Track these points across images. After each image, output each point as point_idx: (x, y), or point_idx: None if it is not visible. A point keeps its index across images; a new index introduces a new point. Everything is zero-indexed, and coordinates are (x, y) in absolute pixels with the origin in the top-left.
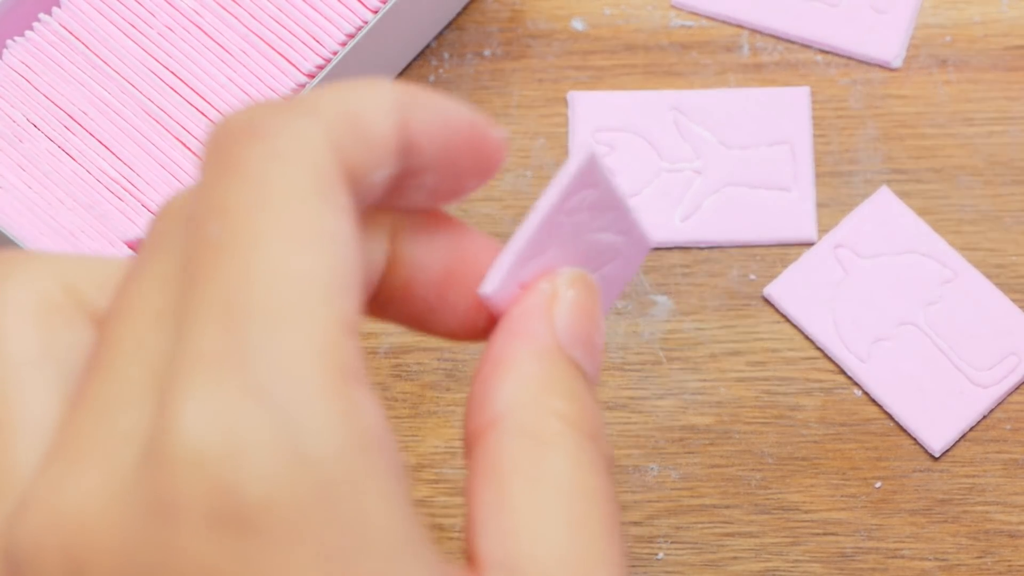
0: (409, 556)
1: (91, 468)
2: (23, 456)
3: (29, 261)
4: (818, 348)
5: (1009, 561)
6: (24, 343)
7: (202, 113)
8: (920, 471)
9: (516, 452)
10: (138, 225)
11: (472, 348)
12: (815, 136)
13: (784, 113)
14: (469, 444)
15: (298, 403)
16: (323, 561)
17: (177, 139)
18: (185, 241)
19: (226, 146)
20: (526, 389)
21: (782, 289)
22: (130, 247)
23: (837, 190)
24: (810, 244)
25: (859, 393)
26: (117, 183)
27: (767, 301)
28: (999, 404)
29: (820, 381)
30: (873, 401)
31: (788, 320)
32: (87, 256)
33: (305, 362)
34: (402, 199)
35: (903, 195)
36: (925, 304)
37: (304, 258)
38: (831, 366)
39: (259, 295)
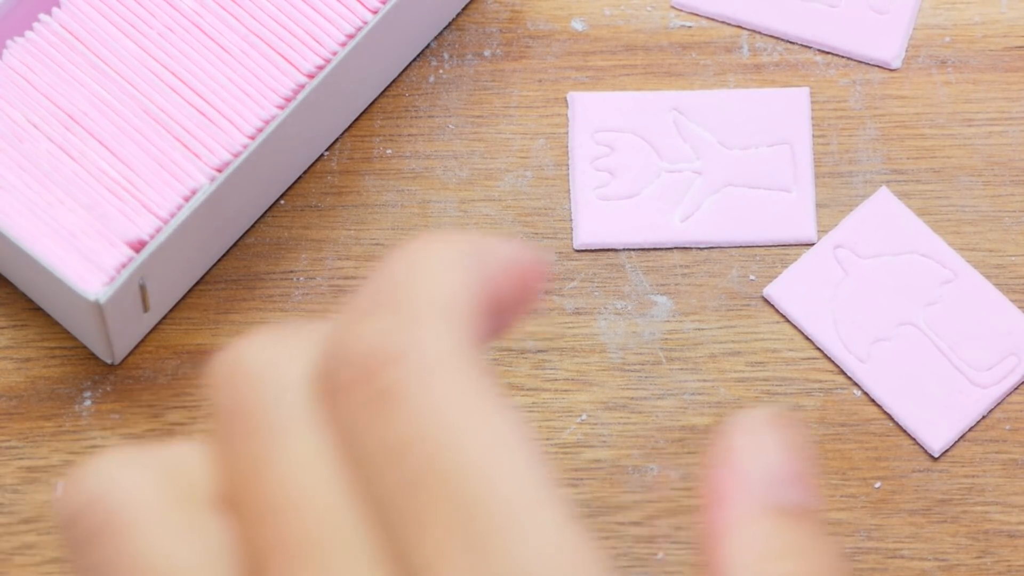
0: None
1: None
2: None
3: (131, 458)
4: (818, 348)
5: (1009, 561)
6: (183, 546)
7: (202, 113)
8: (920, 471)
9: None
10: (138, 225)
11: None
12: (815, 136)
13: (784, 114)
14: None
15: None
16: None
17: (177, 139)
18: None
19: (379, 367)
20: (746, 557)
21: (782, 289)
22: (130, 247)
23: (837, 191)
24: (810, 244)
25: (859, 393)
26: (117, 183)
27: (767, 301)
28: (999, 404)
29: (820, 381)
30: (873, 401)
31: (788, 320)
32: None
33: (555, 561)
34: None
35: (903, 195)
36: (925, 304)
37: (509, 479)
38: (831, 366)
39: (478, 516)
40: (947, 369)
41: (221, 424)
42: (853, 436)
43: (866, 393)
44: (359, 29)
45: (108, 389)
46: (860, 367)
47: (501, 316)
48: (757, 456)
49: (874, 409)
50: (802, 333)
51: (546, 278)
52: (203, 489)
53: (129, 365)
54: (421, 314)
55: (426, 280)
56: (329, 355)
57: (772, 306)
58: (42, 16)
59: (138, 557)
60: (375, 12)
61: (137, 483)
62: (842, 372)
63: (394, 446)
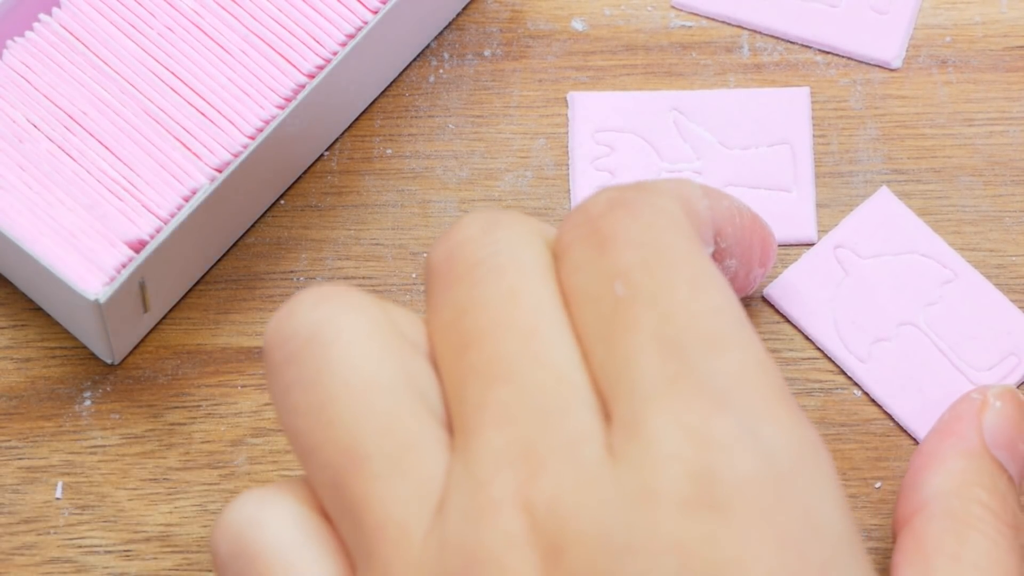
0: (848, 548)
1: (557, 468)
2: (433, 470)
3: (354, 296)
4: (818, 348)
5: None
6: (395, 373)
7: (202, 113)
8: None
9: (940, 531)
10: (138, 225)
11: None
12: (815, 136)
13: (784, 113)
14: (896, 528)
15: (755, 407)
16: (776, 543)
17: (177, 139)
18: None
19: (601, 225)
20: (953, 480)
21: (782, 289)
22: (130, 247)
23: (837, 190)
24: (810, 244)
25: (859, 393)
26: (117, 183)
27: (767, 301)
28: None
29: (820, 381)
30: (873, 401)
31: (788, 320)
32: (380, 299)
33: (751, 375)
34: None
35: (903, 195)
36: (925, 305)
37: (713, 299)
38: (831, 366)
39: (687, 330)
40: (947, 369)
41: (439, 274)
42: (853, 436)
43: (866, 393)
44: (359, 29)
45: (108, 389)
46: (860, 367)
47: (727, 253)
48: (984, 413)
49: (874, 409)
50: (802, 333)
51: (771, 239)
52: (407, 331)
53: (129, 365)
54: (658, 186)
55: (664, 180)
56: (567, 217)
57: (772, 306)
58: (42, 16)
59: (335, 373)
60: (375, 12)
61: (347, 313)
62: (842, 372)
63: (609, 274)
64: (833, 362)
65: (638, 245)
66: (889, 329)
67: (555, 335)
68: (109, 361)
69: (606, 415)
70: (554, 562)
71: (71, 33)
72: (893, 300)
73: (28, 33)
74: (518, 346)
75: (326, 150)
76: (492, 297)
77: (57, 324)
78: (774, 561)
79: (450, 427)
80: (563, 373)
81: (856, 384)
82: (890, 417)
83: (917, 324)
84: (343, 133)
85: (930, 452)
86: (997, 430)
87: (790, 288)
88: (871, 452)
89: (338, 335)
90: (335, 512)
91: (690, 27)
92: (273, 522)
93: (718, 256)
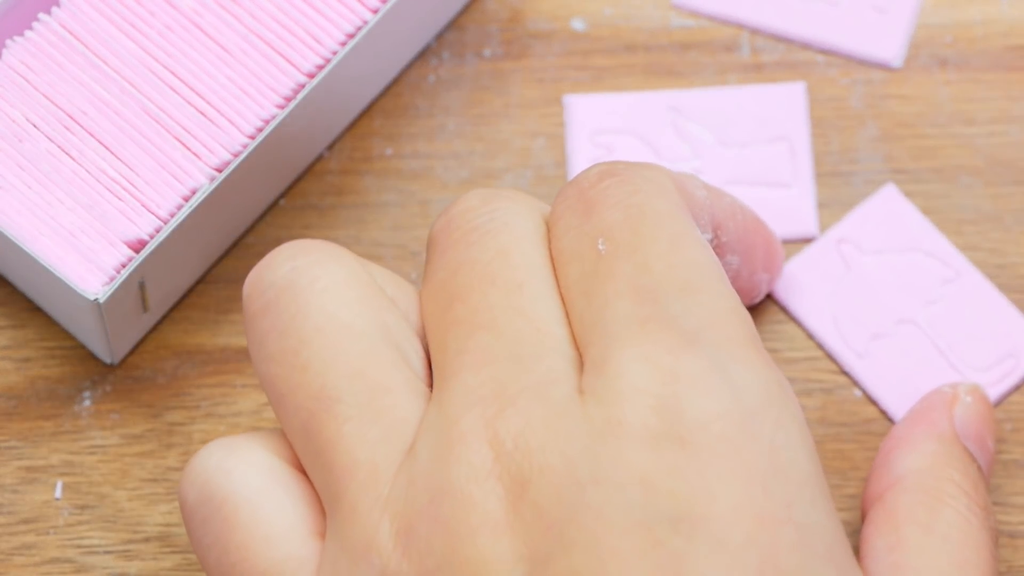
0: (814, 489)
1: (525, 405)
2: (407, 412)
3: (334, 249)
4: (819, 346)
5: (1009, 561)
6: (370, 320)
7: (202, 113)
8: None
9: (912, 504)
10: (138, 225)
11: None
12: (815, 136)
13: (781, 109)
14: (866, 506)
15: (726, 348)
16: (741, 478)
17: (177, 139)
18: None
19: (589, 190)
20: (926, 459)
21: (783, 281)
22: (130, 247)
23: (838, 190)
24: (811, 239)
25: (859, 393)
26: (117, 183)
27: (768, 295)
28: (998, 405)
29: (820, 381)
30: (873, 401)
31: (789, 320)
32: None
33: (723, 319)
34: None
35: (904, 195)
36: (925, 303)
37: (692, 255)
38: (832, 366)
39: (663, 278)
40: (944, 369)
41: (441, 235)
42: (853, 436)
43: (866, 393)
44: (359, 29)
45: (108, 389)
46: (857, 363)
47: (729, 248)
48: (955, 405)
49: (874, 409)
50: (804, 331)
51: (775, 245)
52: (391, 291)
53: (129, 365)
54: (652, 165)
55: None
56: (561, 190)
57: (773, 301)
58: (41, 15)
59: (309, 318)
60: (375, 12)
61: (325, 263)
62: (843, 372)
63: (593, 234)
64: (831, 358)
65: (623, 207)
66: (888, 326)
67: (540, 291)
68: (109, 361)
69: (581, 367)
70: (519, 494)
71: (71, 32)
72: (894, 297)
73: (27, 32)
74: (503, 298)
75: (326, 150)
76: (483, 255)
77: (57, 324)
78: (739, 495)
79: (430, 383)
80: (544, 326)
81: (856, 384)
82: (889, 417)
83: (916, 322)
84: (343, 133)
85: (903, 436)
86: (967, 423)
87: (791, 280)
88: (871, 452)
89: (313, 282)
90: (306, 458)
91: (690, 27)
92: (240, 468)
93: (720, 250)
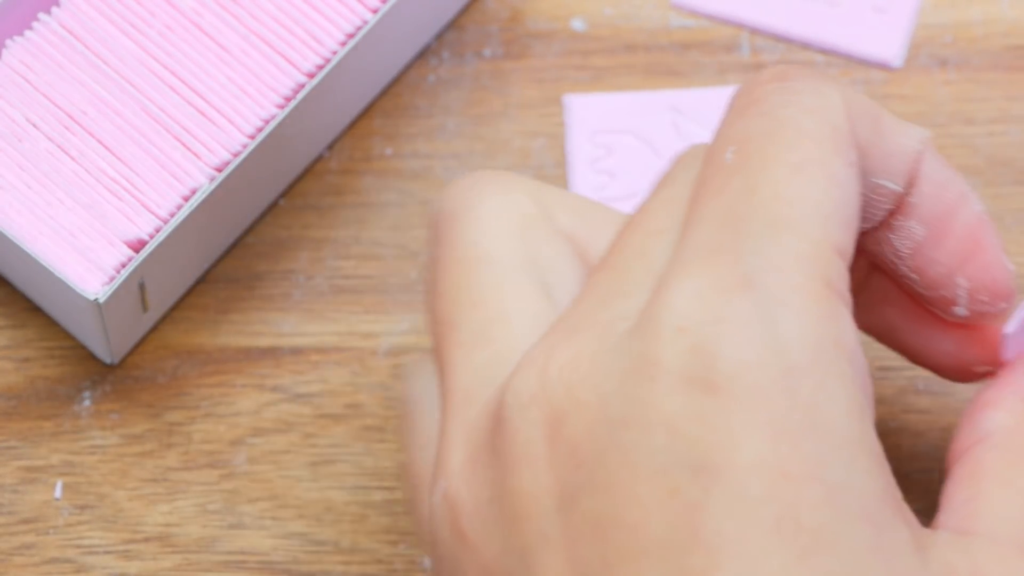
0: (854, 450)
1: (584, 338)
2: (518, 343)
3: (507, 181)
4: None
5: None
6: (511, 251)
7: (202, 113)
8: (921, 471)
9: (994, 460)
10: (138, 225)
11: None
12: None
13: None
14: (950, 463)
15: (783, 295)
16: (769, 431)
17: (177, 139)
18: (698, 170)
19: (751, 90)
20: (1016, 417)
21: None
22: (130, 247)
23: None
24: None
25: None
26: (117, 183)
27: None
28: None
29: None
30: (876, 402)
31: None
32: (553, 187)
33: (795, 264)
34: (887, 246)
35: None
36: None
37: (807, 187)
38: None
39: (760, 207)
40: None
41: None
42: None
43: None
44: (359, 28)
45: (107, 389)
46: None
47: (913, 213)
48: None
49: (875, 409)
50: None
51: (999, 268)
52: (563, 220)
53: (128, 365)
54: (840, 85)
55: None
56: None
57: None
58: (41, 15)
59: (455, 248)
60: (375, 11)
61: (489, 195)
62: None
63: (731, 138)
64: None
65: (768, 117)
66: None
67: (667, 204)
68: (108, 361)
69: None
70: (556, 428)
71: (70, 32)
72: None
73: (27, 32)
74: (638, 215)
75: (326, 150)
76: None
77: (56, 324)
78: (764, 448)
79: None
80: (648, 247)
81: None
82: (891, 419)
83: None
84: (343, 133)
85: (990, 397)
86: None
87: None
88: None
89: (468, 212)
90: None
91: (690, 27)
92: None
93: (904, 209)
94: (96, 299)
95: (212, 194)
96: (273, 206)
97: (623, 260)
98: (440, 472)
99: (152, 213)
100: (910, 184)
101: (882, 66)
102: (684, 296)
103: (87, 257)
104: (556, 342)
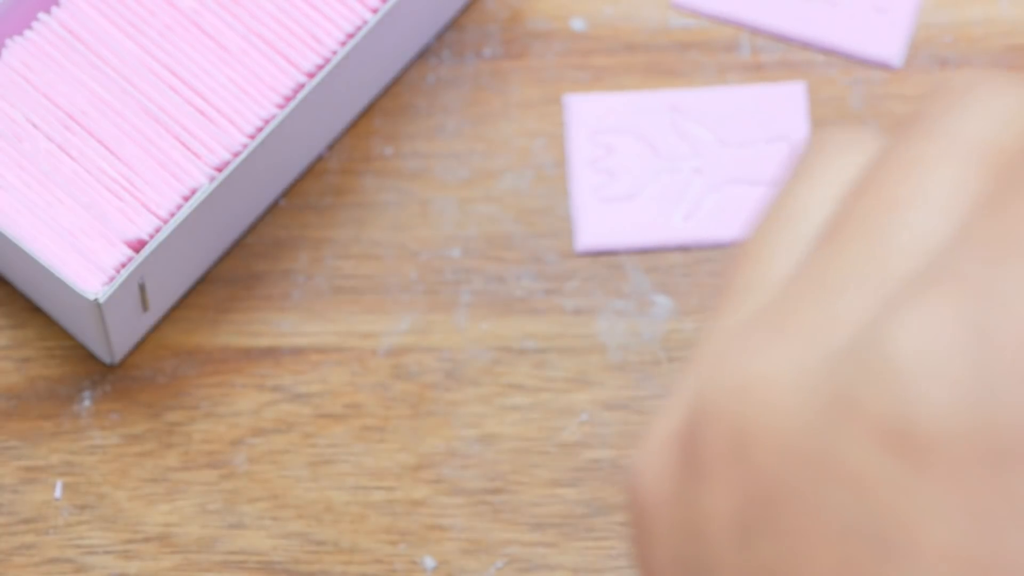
0: None
1: (795, 342)
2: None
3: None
4: None
5: None
6: (807, 202)
7: (202, 113)
8: None
9: None
10: (138, 225)
11: (472, 348)
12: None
13: (781, 109)
14: None
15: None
16: (975, 513)
17: (177, 139)
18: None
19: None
20: None
21: None
22: (130, 247)
23: None
24: None
25: None
26: (117, 183)
27: None
28: None
29: None
30: None
31: None
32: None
33: None
34: None
35: None
36: None
37: None
38: None
39: (1005, 230)
40: None
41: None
42: None
43: None
44: (359, 28)
45: (107, 389)
46: None
47: None
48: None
49: None
50: None
51: None
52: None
53: (128, 365)
54: None
55: None
56: None
57: None
58: (41, 15)
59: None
60: (375, 11)
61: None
62: None
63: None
64: None
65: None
66: None
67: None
68: (108, 361)
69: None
70: (744, 449)
71: (70, 32)
72: None
73: (27, 32)
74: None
75: (326, 150)
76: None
77: (56, 324)
78: (958, 532)
79: None
80: (904, 244)
81: None
82: None
83: None
84: (343, 133)
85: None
86: None
87: None
88: None
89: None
90: None
91: (690, 27)
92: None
93: None
94: (96, 299)
95: (212, 194)
96: (273, 206)
97: (854, 240)
98: (646, 438)
99: (152, 213)
100: None
101: (882, 66)
102: (908, 329)
103: (87, 257)
104: (760, 342)
